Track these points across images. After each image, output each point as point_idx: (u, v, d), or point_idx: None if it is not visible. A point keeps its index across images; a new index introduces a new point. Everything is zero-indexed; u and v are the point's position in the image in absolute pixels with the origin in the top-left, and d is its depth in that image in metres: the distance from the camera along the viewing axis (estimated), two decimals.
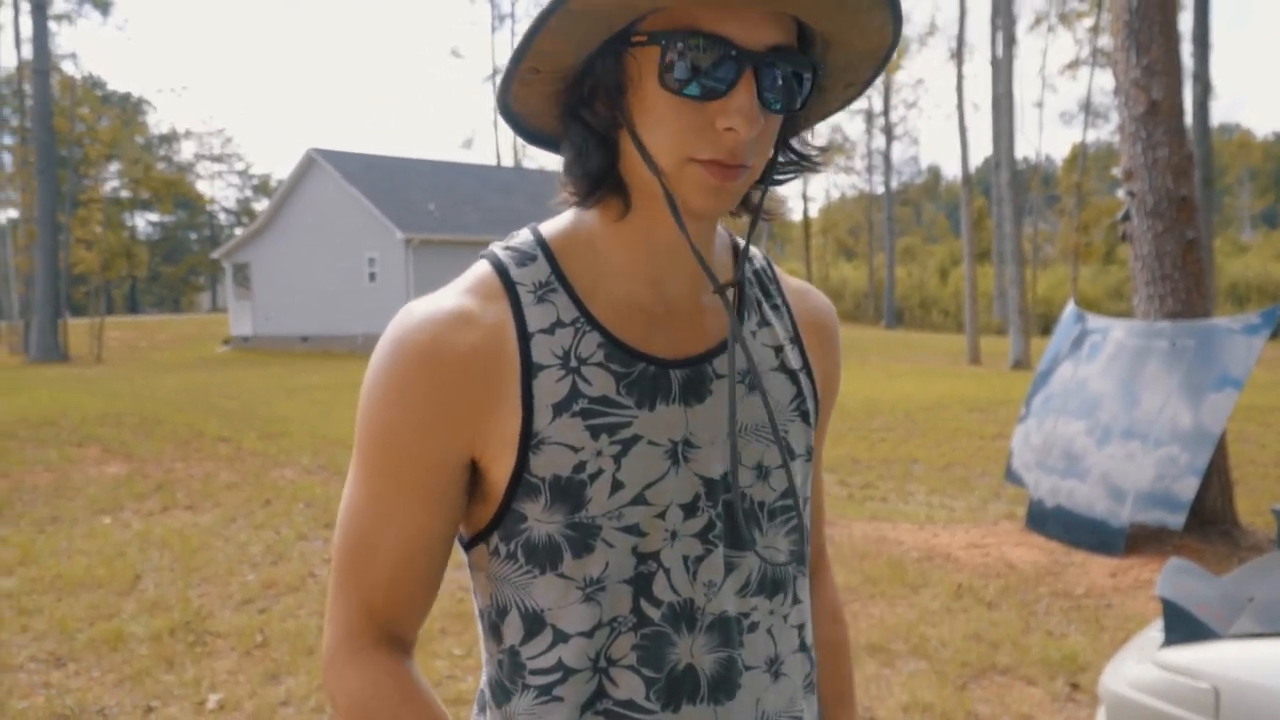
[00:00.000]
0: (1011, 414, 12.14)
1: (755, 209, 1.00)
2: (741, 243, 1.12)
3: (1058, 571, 5.88)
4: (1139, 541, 6.26)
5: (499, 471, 0.95)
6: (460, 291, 0.97)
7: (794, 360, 1.08)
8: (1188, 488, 5.94)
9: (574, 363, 0.95)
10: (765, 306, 1.09)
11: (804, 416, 1.07)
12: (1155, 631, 2.88)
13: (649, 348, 0.98)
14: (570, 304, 0.97)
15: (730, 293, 1.01)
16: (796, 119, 0.99)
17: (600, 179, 0.95)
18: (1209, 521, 6.42)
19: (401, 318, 0.96)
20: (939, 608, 5.26)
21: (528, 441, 0.93)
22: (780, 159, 1.00)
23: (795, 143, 1.01)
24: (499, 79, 0.94)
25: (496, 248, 1.02)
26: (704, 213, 0.92)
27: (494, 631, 1.00)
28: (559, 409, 0.94)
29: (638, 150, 0.91)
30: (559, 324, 0.96)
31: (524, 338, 0.95)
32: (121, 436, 11.92)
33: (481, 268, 1.00)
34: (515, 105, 0.97)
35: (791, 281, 1.16)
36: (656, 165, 0.90)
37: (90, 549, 6.64)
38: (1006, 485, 7.80)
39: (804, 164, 1.02)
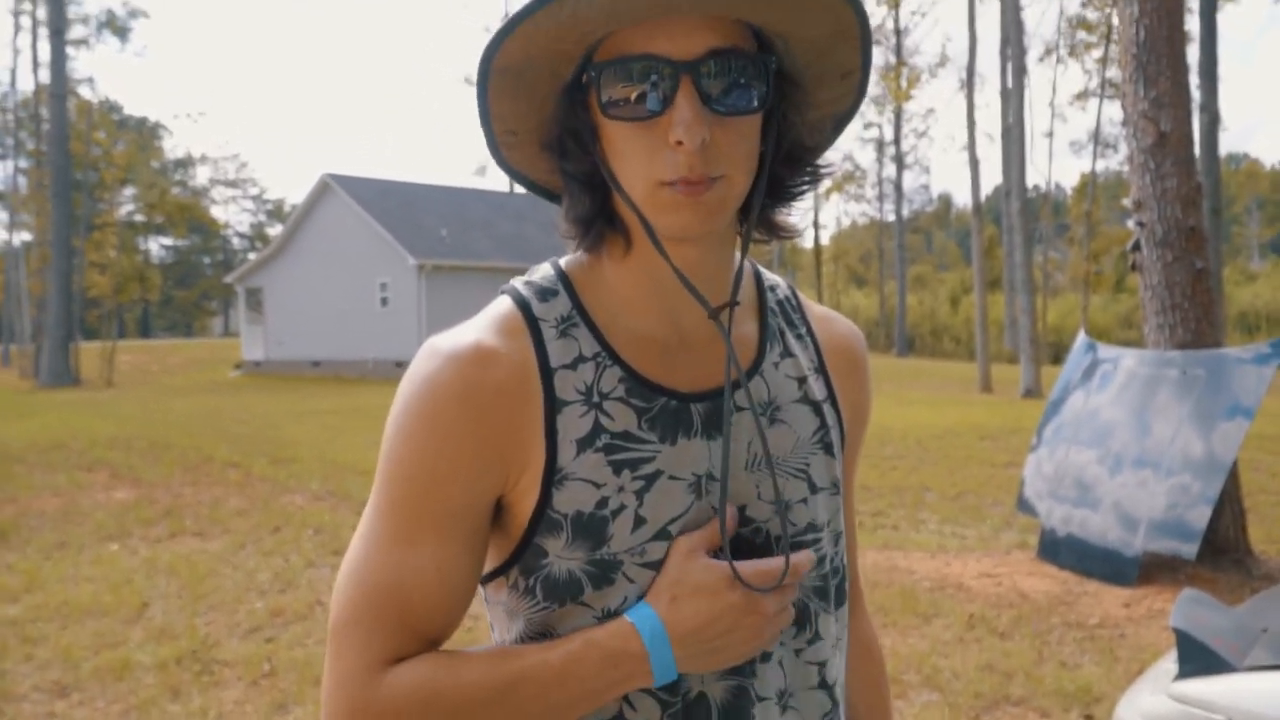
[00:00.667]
0: (1023, 442, 12.09)
1: (749, 223, 0.99)
2: (767, 274, 1.12)
3: (1071, 601, 5.83)
4: (1152, 571, 6.21)
5: (522, 507, 0.95)
6: (482, 328, 0.97)
7: (818, 391, 1.07)
8: (1200, 516, 5.90)
9: (596, 398, 0.95)
10: (789, 336, 1.08)
11: (827, 449, 1.06)
12: (1169, 663, 2.85)
13: (669, 381, 0.98)
14: (591, 338, 0.97)
15: (725, 315, 0.99)
16: (791, 123, 0.96)
17: (590, 223, 0.96)
18: (1221, 550, 6.37)
19: (426, 355, 0.95)
20: (951, 638, 5.22)
21: (551, 478, 0.93)
22: (785, 171, 0.98)
23: (798, 149, 0.98)
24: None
25: (518, 283, 1.02)
26: (683, 235, 0.91)
27: None
28: (582, 445, 0.94)
29: (614, 187, 0.92)
30: (581, 359, 0.96)
31: (547, 374, 0.95)
32: (130, 461, 11.94)
33: (503, 304, 1.00)
34: (516, 165, 1.00)
35: (816, 309, 1.14)
36: (630, 198, 0.91)
37: (97, 576, 6.64)
38: (1018, 514, 7.75)
39: (809, 172, 1.00)
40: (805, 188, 1.01)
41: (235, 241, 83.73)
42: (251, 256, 46.94)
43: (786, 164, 0.98)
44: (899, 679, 4.64)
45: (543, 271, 1.03)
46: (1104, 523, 6.38)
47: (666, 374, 0.98)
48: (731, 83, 0.87)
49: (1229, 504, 6.41)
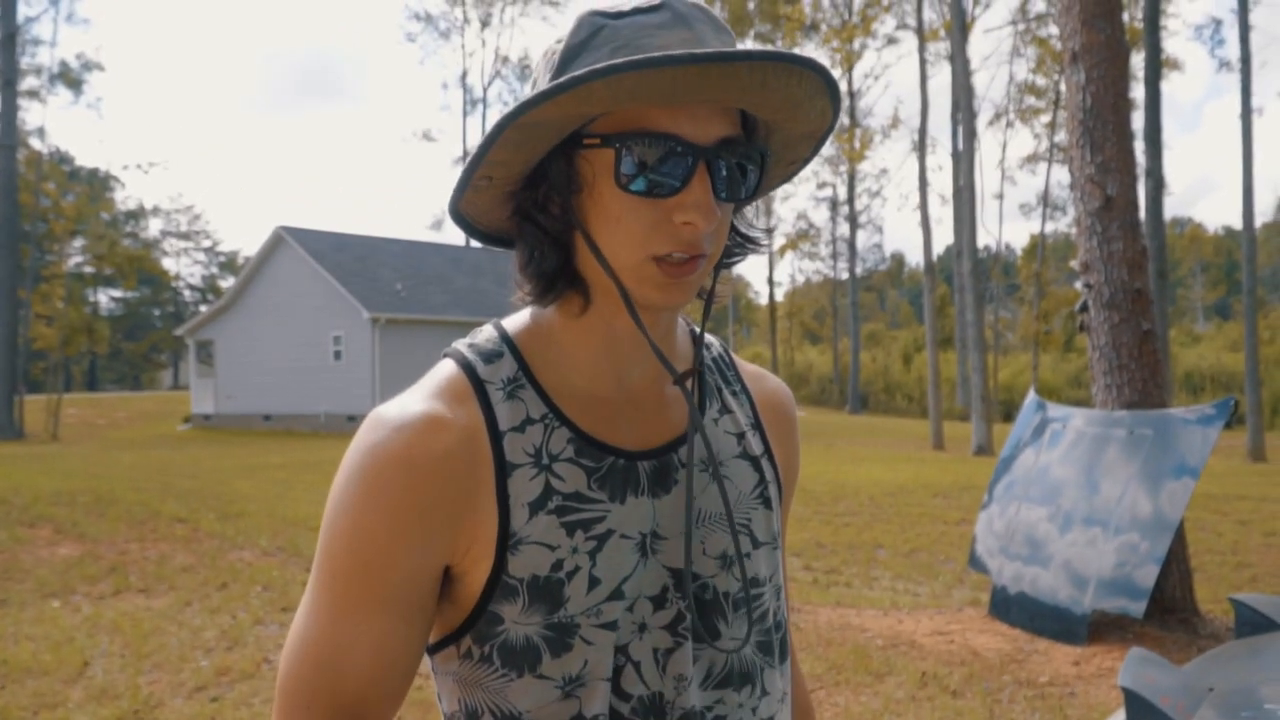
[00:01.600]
0: (975, 499, 12.18)
1: (708, 294, 1.02)
2: (698, 330, 1.14)
3: (1021, 659, 5.86)
4: (1101, 629, 6.26)
5: (476, 575, 0.94)
6: (428, 394, 0.96)
7: (756, 446, 1.09)
8: (1148, 575, 5.96)
9: (545, 460, 0.95)
10: (726, 393, 1.10)
11: (767, 503, 1.07)
12: None
13: (616, 440, 0.98)
14: (538, 400, 0.97)
15: (689, 382, 1.02)
16: (748, 204, 1.01)
17: (555, 278, 0.95)
18: (1169, 610, 6.43)
19: (371, 425, 0.94)
20: (904, 696, 5.21)
21: (505, 543, 0.93)
22: (728, 242, 1.01)
23: (740, 224, 1.03)
24: (453, 189, 0.95)
25: (461, 345, 1.02)
26: (663, 308, 0.93)
27: None
28: (534, 507, 0.93)
29: (592, 251, 0.92)
30: (529, 420, 0.96)
31: (496, 437, 0.94)
32: (74, 517, 11.66)
33: (448, 368, 0.99)
34: (464, 208, 0.98)
35: (748, 367, 1.17)
36: (610, 265, 0.91)
37: (37, 634, 6.46)
38: (970, 571, 7.80)
39: (749, 245, 1.04)
40: (739, 259, 1.05)
41: (186, 294, 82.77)
42: (203, 309, 46.47)
43: (730, 237, 1.02)
44: None
45: (485, 334, 1.03)
46: (1054, 581, 6.43)
47: (613, 433, 0.99)
48: (735, 170, 0.91)
49: (1176, 563, 6.49)
